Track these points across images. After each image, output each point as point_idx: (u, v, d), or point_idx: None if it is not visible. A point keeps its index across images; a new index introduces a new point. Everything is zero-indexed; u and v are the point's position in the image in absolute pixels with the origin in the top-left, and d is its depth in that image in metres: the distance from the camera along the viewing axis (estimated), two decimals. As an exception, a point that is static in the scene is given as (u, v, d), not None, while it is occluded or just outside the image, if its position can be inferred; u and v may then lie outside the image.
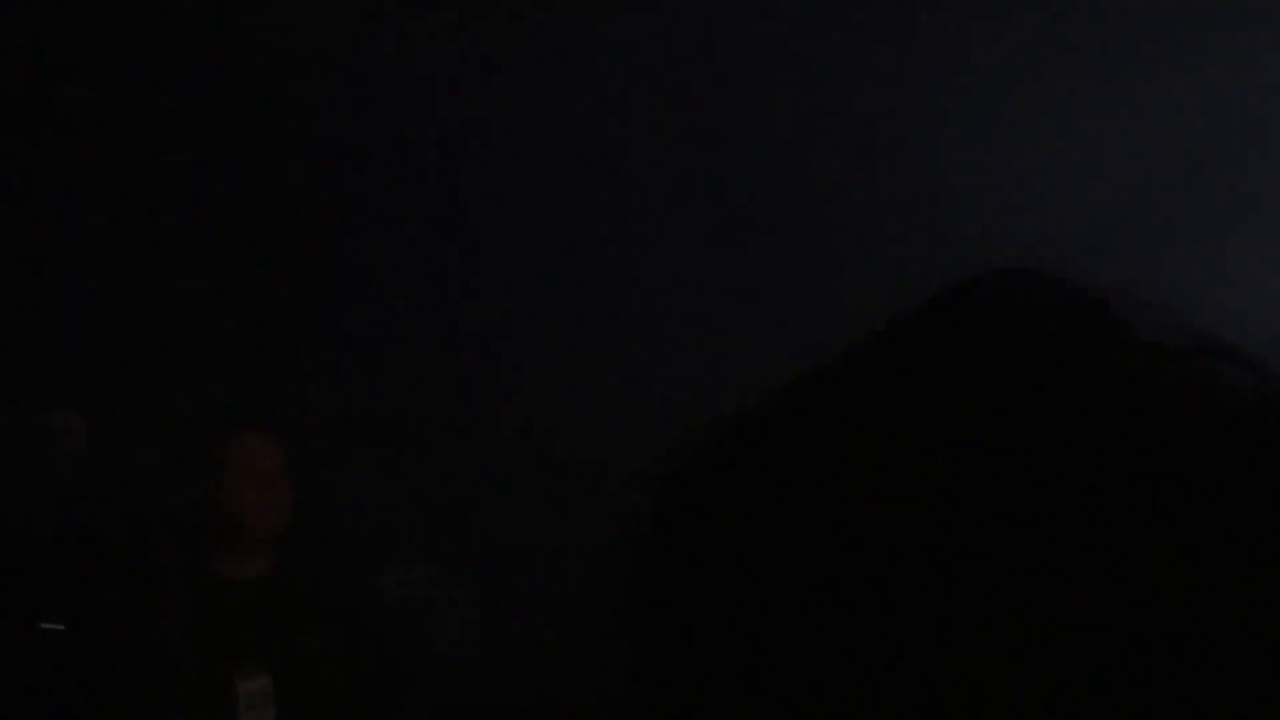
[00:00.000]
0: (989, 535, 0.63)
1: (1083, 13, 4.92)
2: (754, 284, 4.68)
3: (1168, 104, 4.77)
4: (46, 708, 3.21)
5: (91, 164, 4.42)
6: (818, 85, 4.99)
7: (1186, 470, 0.64)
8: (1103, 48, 4.89)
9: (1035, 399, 0.65)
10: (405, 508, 4.09)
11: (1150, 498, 0.63)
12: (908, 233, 4.64)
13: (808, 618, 0.64)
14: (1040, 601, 0.62)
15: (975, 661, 0.62)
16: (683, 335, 4.49)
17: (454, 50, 4.73)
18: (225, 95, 4.57)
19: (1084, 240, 4.34)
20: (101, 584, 3.30)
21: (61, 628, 3.12)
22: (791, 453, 0.68)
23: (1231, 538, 0.63)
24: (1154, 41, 4.79)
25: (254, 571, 3.54)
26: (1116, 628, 0.62)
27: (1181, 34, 4.80)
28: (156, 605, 3.37)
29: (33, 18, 4.61)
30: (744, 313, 4.52)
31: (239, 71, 4.54)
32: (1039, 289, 0.72)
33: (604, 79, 4.86)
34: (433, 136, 4.66)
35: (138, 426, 3.72)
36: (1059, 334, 0.69)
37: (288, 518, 3.60)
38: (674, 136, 4.94)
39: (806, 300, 4.24)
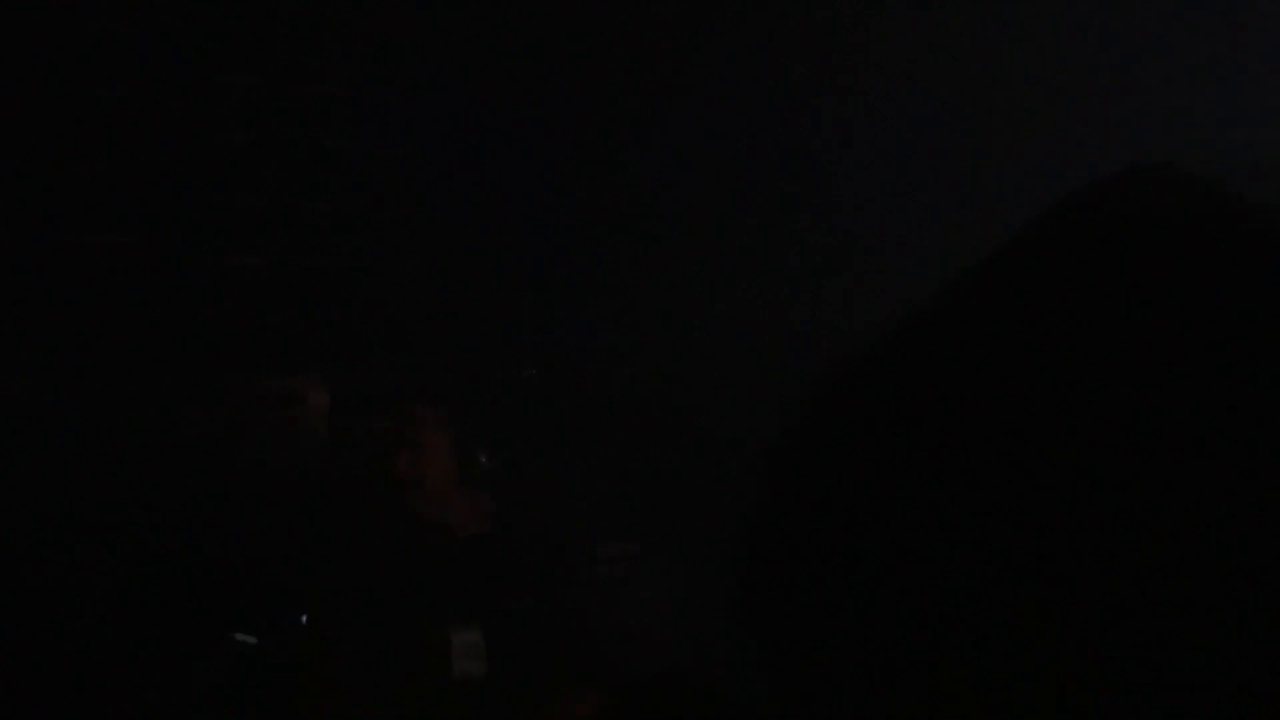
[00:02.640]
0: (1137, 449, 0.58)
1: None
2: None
3: None
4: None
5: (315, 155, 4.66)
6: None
7: None
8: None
9: (1176, 300, 0.61)
10: (618, 487, 4.29)
11: None
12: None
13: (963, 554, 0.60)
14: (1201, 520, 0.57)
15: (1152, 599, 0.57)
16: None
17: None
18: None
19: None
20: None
21: (254, 640, 3.29)
22: (931, 374, 0.65)
23: None
24: None
25: (473, 529, 3.79)
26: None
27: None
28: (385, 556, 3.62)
29: None
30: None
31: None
32: (1176, 186, 0.68)
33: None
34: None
35: (365, 395, 3.92)
36: (1199, 230, 0.65)
37: (446, 485, 3.83)
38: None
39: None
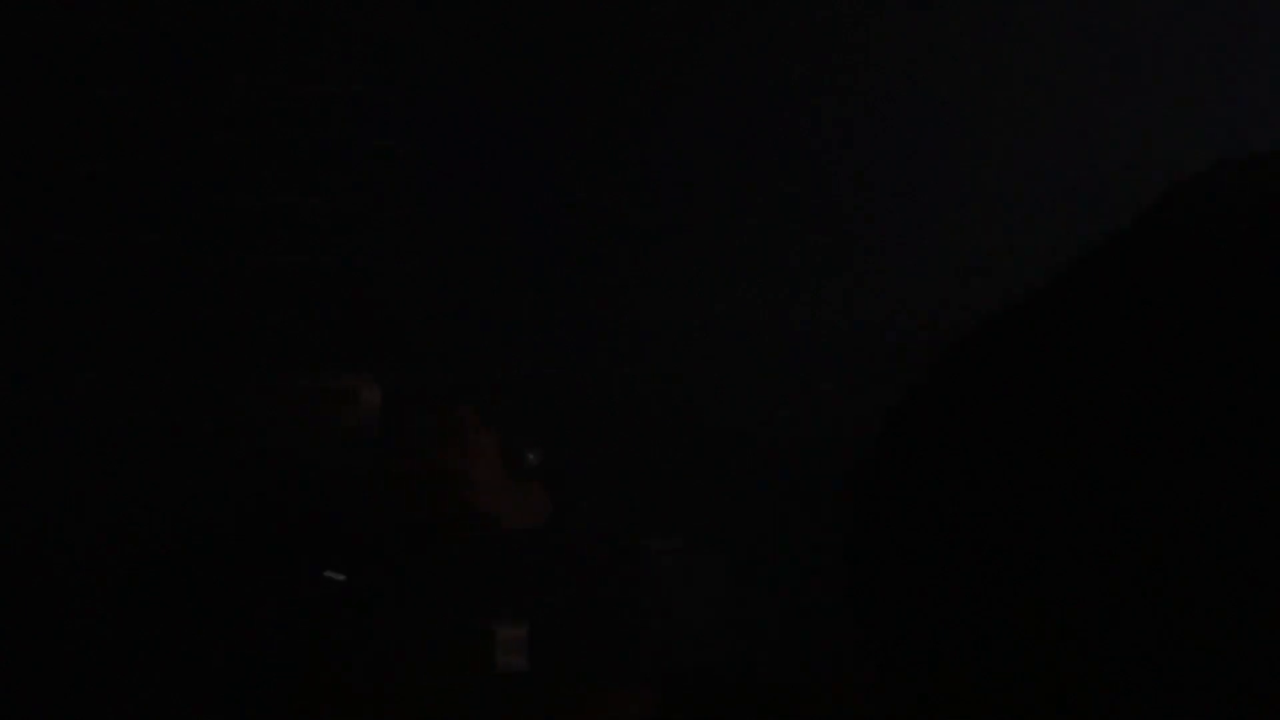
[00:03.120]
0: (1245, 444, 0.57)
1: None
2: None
3: None
4: (326, 653, 3.44)
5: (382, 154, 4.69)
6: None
7: None
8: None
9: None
10: (667, 480, 4.32)
11: None
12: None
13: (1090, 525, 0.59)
14: None
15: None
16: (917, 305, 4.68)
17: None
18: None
19: None
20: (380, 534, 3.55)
21: (343, 578, 3.34)
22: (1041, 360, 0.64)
23: None
24: None
25: (522, 524, 3.81)
26: None
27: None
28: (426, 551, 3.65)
29: None
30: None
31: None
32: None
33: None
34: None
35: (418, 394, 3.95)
36: None
37: (493, 480, 3.87)
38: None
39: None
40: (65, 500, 3.57)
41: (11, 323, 4.15)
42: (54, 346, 4.07)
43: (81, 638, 3.32)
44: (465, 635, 3.65)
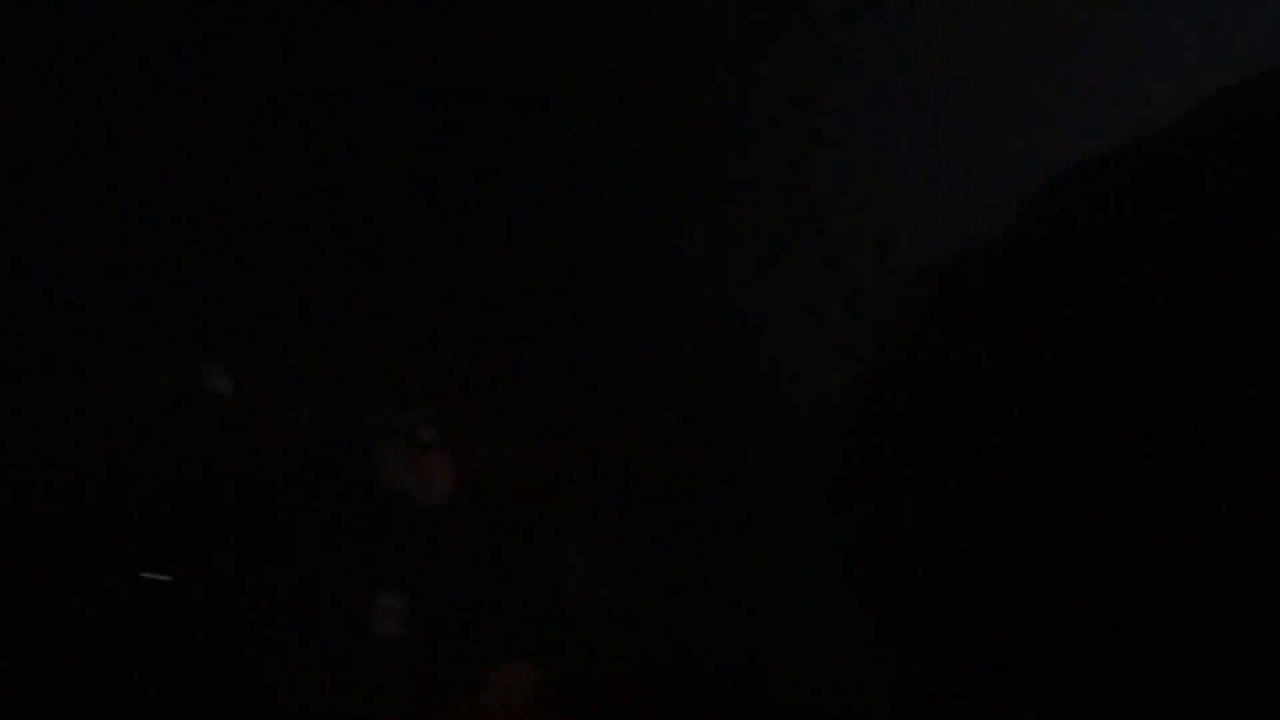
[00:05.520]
0: None
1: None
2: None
3: None
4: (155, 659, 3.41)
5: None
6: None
7: None
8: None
9: None
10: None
11: None
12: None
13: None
14: None
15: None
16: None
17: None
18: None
19: None
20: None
21: (166, 578, 3.31)
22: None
23: None
24: None
25: (433, 500, 3.79)
26: None
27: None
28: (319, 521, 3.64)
29: None
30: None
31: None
32: None
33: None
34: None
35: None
36: None
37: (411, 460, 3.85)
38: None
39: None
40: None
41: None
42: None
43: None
44: (345, 602, 3.63)
